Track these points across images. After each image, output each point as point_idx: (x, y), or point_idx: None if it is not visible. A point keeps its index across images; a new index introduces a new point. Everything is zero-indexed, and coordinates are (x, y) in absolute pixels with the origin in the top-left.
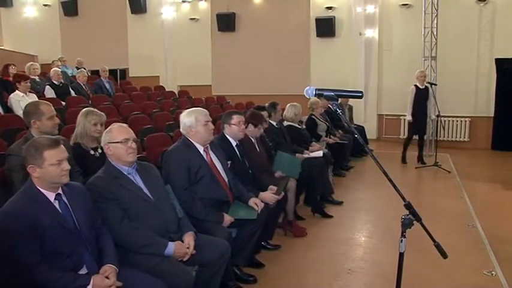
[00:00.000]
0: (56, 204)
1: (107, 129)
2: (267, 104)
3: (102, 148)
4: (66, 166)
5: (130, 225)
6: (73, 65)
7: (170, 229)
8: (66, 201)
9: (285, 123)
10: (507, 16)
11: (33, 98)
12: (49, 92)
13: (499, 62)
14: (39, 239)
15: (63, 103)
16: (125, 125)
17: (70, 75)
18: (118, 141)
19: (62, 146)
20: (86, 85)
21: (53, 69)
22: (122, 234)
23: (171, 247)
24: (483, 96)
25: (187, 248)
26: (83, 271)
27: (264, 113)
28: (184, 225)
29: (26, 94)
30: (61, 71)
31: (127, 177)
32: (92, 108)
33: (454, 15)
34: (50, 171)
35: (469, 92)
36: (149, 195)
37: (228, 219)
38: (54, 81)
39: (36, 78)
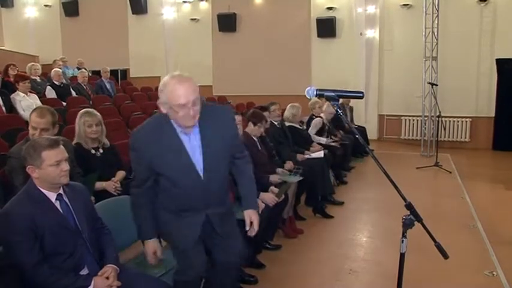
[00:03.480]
0: (57, 204)
1: (164, 83)
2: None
3: (103, 148)
4: (66, 167)
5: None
6: (74, 66)
7: (212, 202)
8: (67, 201)
9: (286, 123)
10: (508, 16)
11: (34, 98)
12: (50, 93)
13: (500, 63)
14: (39, 239)
15: (64, 103)
16: (187, 81)
17: (70, 75)
18: (178, 104)
19: (61, 146)
20: (87, 85)
21: (54, 69)
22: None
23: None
24: (484, 96)
25: None
26: (84, 271)
27: (266, 113)
28: (245, 199)
29: (26, 94)
30: (61, 71)
31: (175, 136)
32: (87, 109)
33: (454, 15)
34: (48, 171)
35: (469, 92)
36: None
37: None
38: (55, 82)
39: (37, 78)
